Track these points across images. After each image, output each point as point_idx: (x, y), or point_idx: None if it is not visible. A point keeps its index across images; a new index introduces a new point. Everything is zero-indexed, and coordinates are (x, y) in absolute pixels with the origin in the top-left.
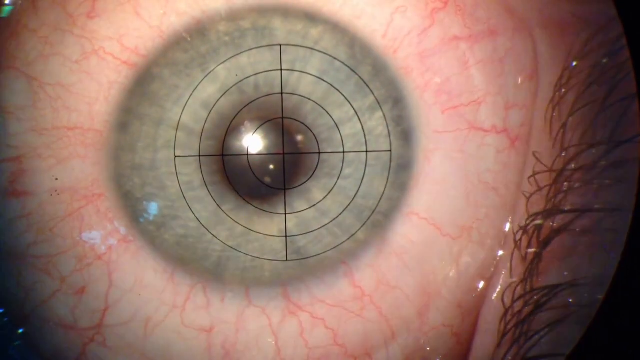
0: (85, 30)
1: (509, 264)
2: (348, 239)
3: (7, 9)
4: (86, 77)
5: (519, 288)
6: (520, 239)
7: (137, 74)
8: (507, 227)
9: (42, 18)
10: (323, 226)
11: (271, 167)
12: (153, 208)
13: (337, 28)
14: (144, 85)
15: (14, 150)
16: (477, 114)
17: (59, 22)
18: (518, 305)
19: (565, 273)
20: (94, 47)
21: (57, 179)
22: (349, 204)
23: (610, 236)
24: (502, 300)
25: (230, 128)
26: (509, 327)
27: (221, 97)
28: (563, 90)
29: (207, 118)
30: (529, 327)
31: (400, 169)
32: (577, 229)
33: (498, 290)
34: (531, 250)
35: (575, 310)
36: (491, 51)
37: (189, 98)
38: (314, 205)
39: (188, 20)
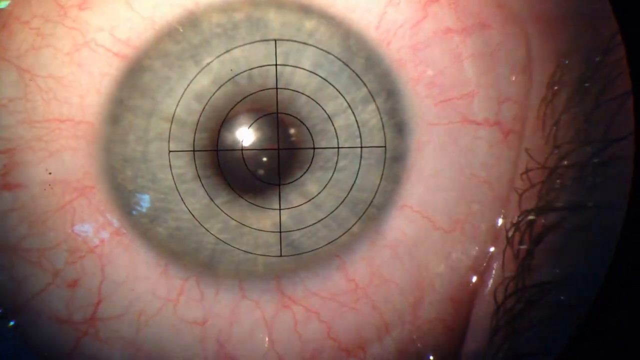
0: (76, 22)
1: (501, 261)
2: (343, 233)
3: (5, 2)
4: (77, 69)
5: (511, 285)
6: (513, 236)
7: (128, 65)
8: (500, 221)
9: (34, 10)
10: (318, 221)
11: (265, 161)
12: (145, 201)
13: (331, 21)
14: (135, 77)
15: (5, 142)
16: (470, 107)
17: (50, 14)
18: (510, 302)
19: (557, 270)
20: (85, 38)
21: (50, 173)
22: (344, 198)
23: (602, 234)
24: (494, 297)
25: (224, 122)
26: (500, 323)
27: (216, 91)
28: (556, 87)
29: (201, 112)
30: (521, 324)
31: (394, 162)
32: (570, 227)
33: (490, 286)
34: (523, 247)
35: (566, 308)
36: (484, 44)
37: (182, 91)
38: (310, 200)
39: (180, 12)
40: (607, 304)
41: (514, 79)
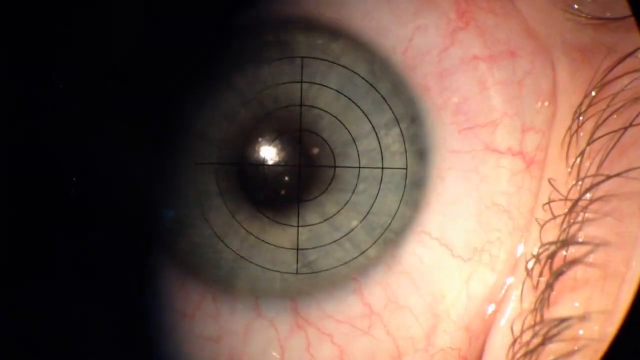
0: None
1: (519, 292)
2: (359, 255)
3: None
4: None
5: (529, 317)
6: (532, 268)
7: None
8: (519, 252)
9: None
10: (335, 241)
11: (286, 178)
12: (169, 215)
13: (358, 44)
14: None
15: None
16: (494, 136)
17: None
18: (527, 335)
19: (576, 304)
20: None
21: (74, 179)
22: (361, 220)
23: (623, 269)
24: (511, 329)
25: (248, 138)
26: (517, 356)
27: (241, 107)
28: (581, 118)
29: (225, 128)
30: (537, 358)
31: (414, 187)
32: (591, 261)
33: (507, 317)
34: (543, 279)
35: (585, 344)
36: (510, 73)
37: (209, 108)
38: (327, 219)
39: (211, 31)
40: (626, 341)
41: (539, 108)
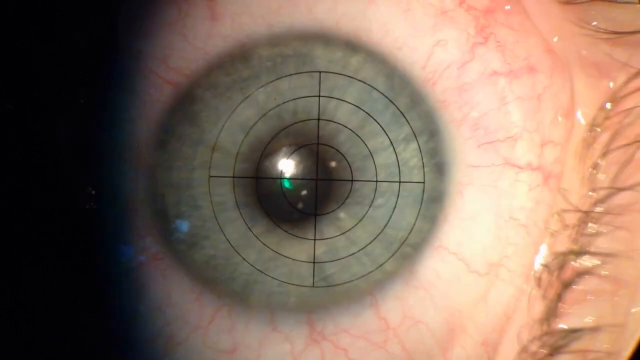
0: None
1: (528, 302)
2: (376, 269)
3: None
4: (129, 94)
5: (535, 328)
6: (542, 278)
7: (179, 93)
8: (535, 264)
9: None
10: (352, 254)
11: (303, 192)
12: (185, 227)
13: (377, 58)
14: (185, 105)
15: None
16: (513, 150)
17: None
18: (534, 345)
19: (586, 316)
20: (138, 65)
21: (93, 192)
22: (378, 234)
23: (634, 282)
24: (518, 338)
25: (265, 151)
26: None
27: (259, 120)
28: (598, 129)
29: (243, 140)
30: None
31: (432, 202)
32: (602, 273)
33: (515, 326)
34: (552, 289)
35: (595, 357)
36: (529, 88)
37: (227, 120)
38: (344, 233)
39: (232, 44)
40: (638, 356)
41: (557, 122)
